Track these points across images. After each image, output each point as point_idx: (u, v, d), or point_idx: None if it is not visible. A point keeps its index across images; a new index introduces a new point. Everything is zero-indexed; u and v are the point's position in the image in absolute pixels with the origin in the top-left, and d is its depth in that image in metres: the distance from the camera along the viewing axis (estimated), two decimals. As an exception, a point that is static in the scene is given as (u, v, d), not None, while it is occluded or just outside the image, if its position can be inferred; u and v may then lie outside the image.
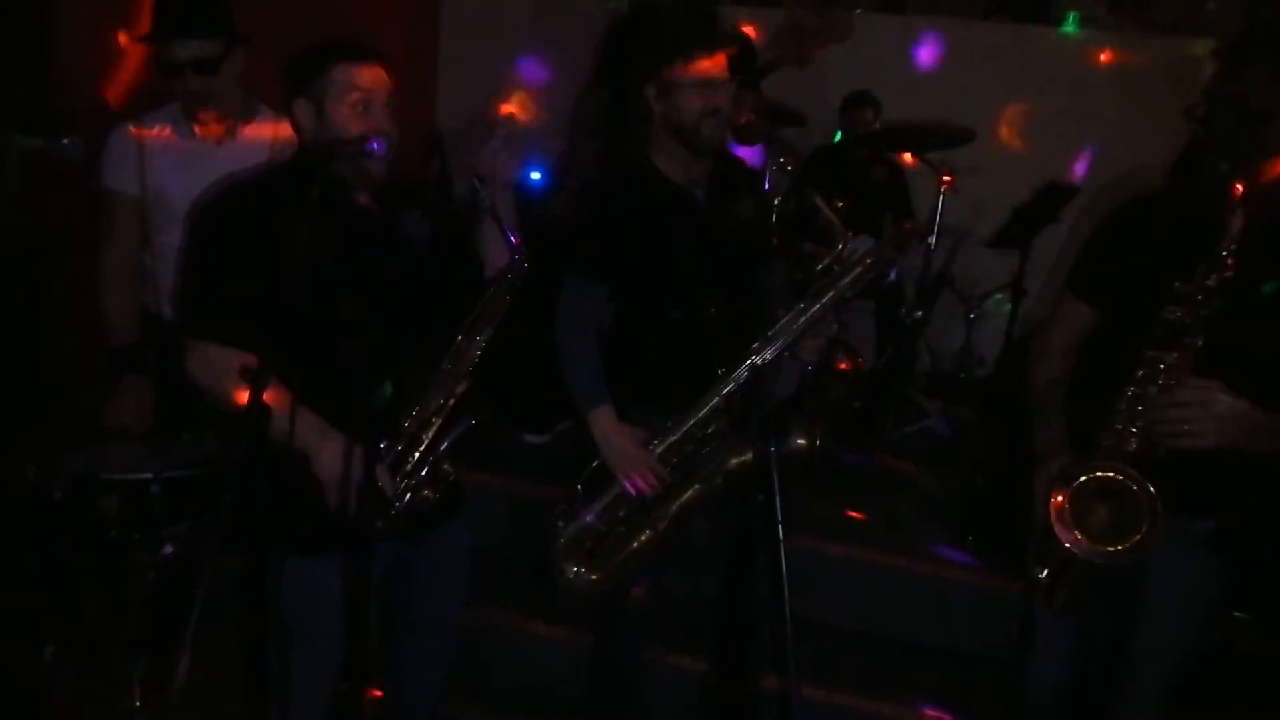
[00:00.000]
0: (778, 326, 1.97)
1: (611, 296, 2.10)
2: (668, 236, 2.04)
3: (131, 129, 2.35)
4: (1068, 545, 1.63)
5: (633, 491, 2.03)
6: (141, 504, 2.03)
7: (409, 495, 1.81)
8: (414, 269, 1.87)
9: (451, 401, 1.86)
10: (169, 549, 2.13)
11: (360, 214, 1.84)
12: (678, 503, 2.05)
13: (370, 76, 1.78)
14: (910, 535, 3.06)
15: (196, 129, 2.33)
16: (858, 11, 4.59)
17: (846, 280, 1.98)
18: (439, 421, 1.84)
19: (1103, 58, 4.48)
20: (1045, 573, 1.72)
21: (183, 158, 2.32)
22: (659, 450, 2.03)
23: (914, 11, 4.68)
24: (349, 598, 1.70)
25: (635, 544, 2.06)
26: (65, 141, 2.46)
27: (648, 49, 2.03)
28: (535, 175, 4.62)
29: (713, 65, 1.96)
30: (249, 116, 2.36)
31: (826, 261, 1.99)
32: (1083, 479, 1.64)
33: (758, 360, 1.97)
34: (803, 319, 1.97)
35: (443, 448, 1.83)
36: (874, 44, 4.63)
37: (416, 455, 1.82)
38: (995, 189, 4.17)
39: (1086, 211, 3.83)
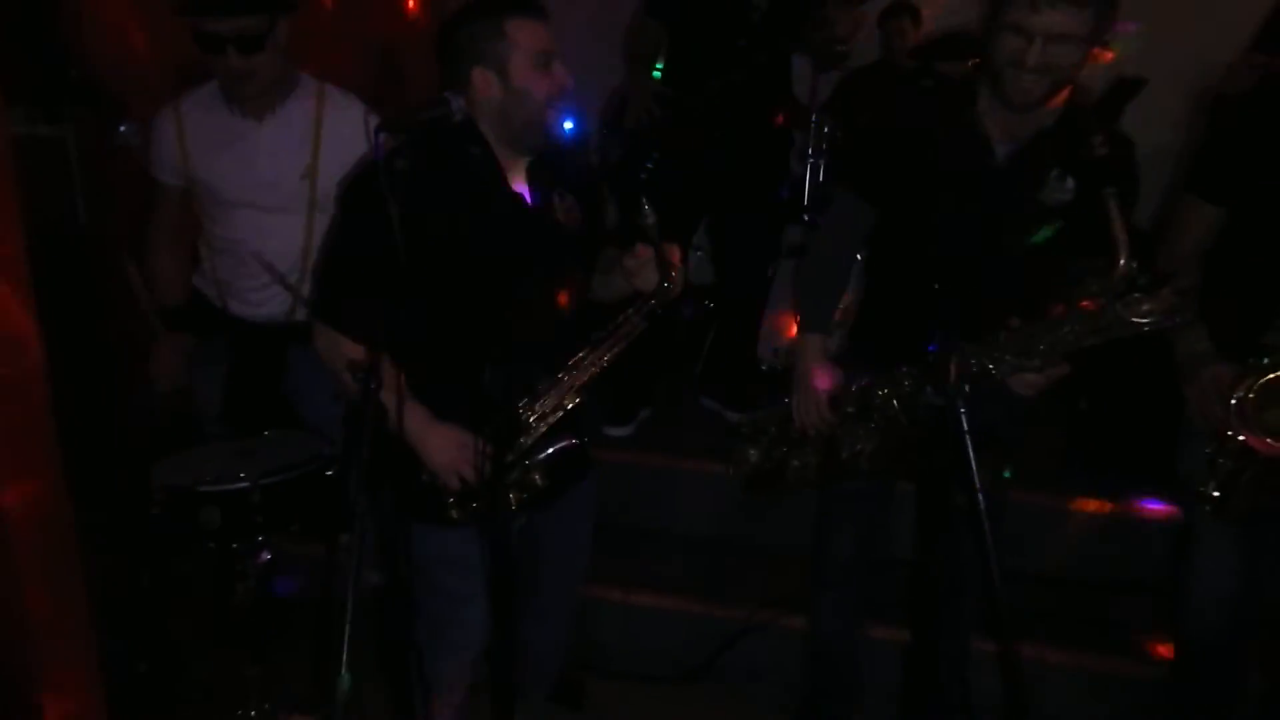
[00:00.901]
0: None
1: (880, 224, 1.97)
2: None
3: (169, 114, 2.26)
4: (1254, 446, 1.56)
5: (797, 423, 2.02)
6: (242, 513, 1.98)
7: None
8: (559, 260, 1.79)
9: (559, 414, 1.78)
10: (267, 555, 2.09)
11: (512, 199, 1.75)
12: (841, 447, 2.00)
13: (546, 30, 1.69)
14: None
15: (236, 108, 2.22)
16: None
17: None
18: (541, 429, 1.77)
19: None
20: (1213, 484, 1.64)
21: (223, 141, 2.23)
22: (851, 392, 1.95)
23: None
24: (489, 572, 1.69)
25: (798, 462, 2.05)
26: (123, 129, 2.35)
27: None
28: (568, 125, 4.43)
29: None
30: (290, 89, 2.25)
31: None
32: (1268, 378, 1.54)
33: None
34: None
35: (538, 458, 1.78)
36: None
37: (509, 459, 1.75)
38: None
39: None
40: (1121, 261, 1.57)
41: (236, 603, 2.11)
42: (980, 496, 1.37)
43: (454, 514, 1.77)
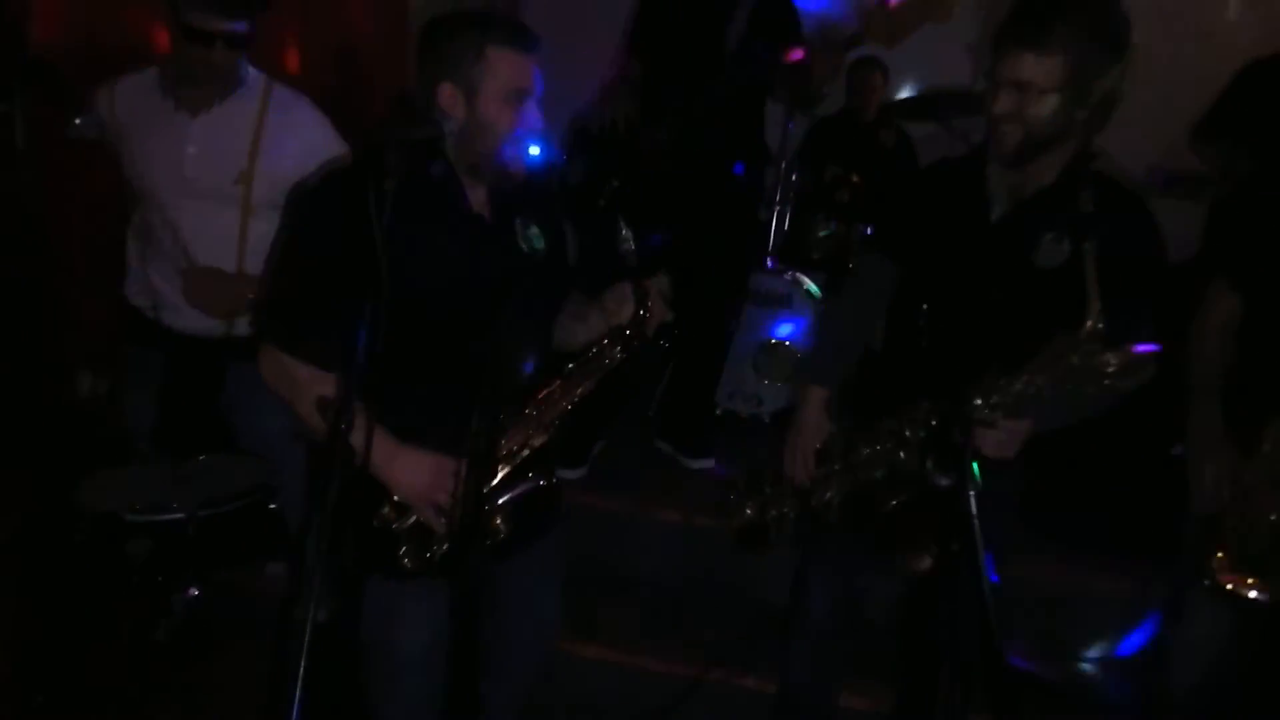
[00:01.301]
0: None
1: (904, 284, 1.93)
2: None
3: (105, 92, 2.17)
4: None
5: (787, 472, 1.97)
6: (175, 546, 1.82)
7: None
8: (526, 287, 1.69)
9: (524, 453, 1.66)
10: (195, 592, 1.93)
11: (472, 219, 1.66)
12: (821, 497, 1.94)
13: (529, 67, 1.59)
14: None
15: (172, 98, 2.12)
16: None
17: None
18: (505, 470, 1.65)
19: None
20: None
21: (152, 128, 2.13)
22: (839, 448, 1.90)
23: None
24: (453, 624, 1.53)
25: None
26: (79, 121, 2.20)
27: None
28: (534, 150, 4.34)
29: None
30: (233, 87, 2.14)
31: None
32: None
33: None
34: None
35: (500, 501, 1.64)
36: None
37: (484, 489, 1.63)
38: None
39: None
40: (1089, 322, 1.50)
41: (158, 640, 1.95)
42: (983, 577, 1.30)
43: (407, 563, 1.62)
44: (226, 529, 1.89)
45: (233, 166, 2.11)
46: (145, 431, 2.26)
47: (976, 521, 1.31)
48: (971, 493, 1.33)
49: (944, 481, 1.39)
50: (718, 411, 3.64)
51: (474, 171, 1.65)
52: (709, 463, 3.32)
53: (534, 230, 1.75)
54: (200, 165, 2.11)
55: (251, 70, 2.18)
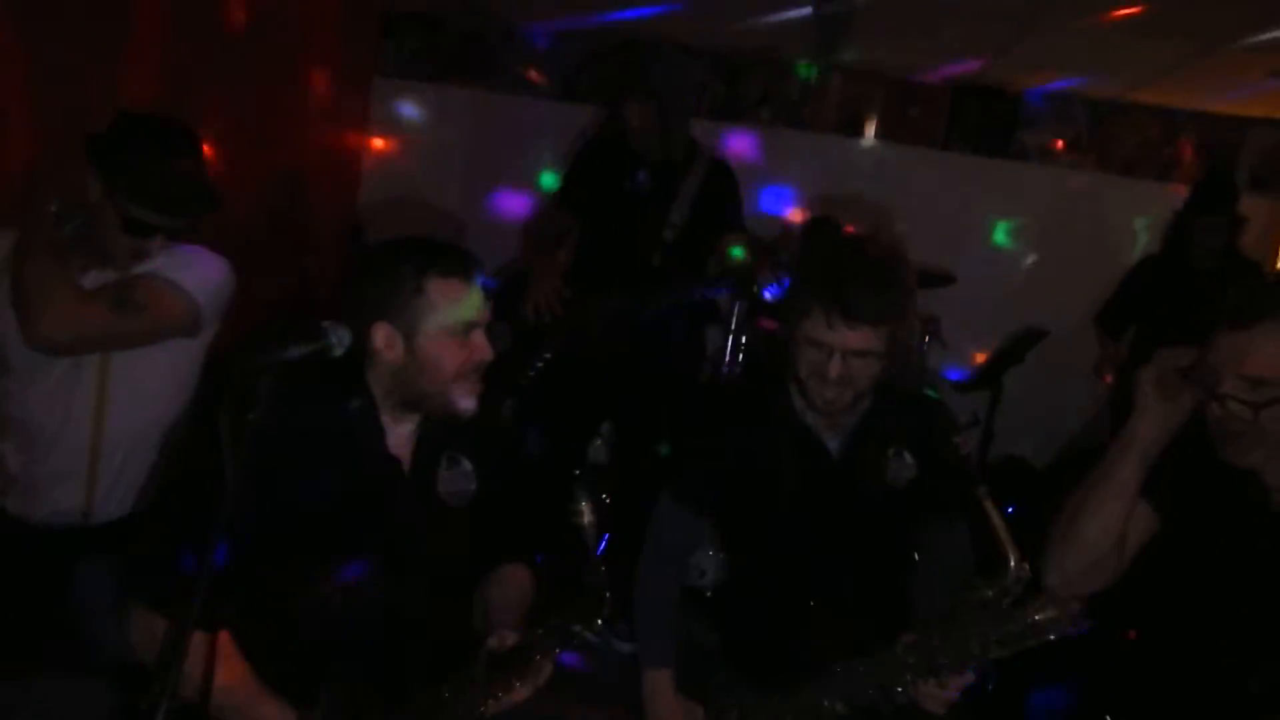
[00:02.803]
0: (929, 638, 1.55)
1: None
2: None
3: None
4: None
5: None
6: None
7: None
8: (439, 543, 1.50)
9: None
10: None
11: (384, 464, 1.47)
12: None
13: (475, 296, 1.45)
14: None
15: (63, 256, 1.87)
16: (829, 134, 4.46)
17: None
18: None
19: (1060, 193, 4.42)
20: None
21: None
22: None
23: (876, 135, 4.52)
24: None
25: None
26: None
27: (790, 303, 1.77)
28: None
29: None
30: (138, 258, 1.93)
31: None
32: None
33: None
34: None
35: None
36: (833, 167, 4.49)
37: None
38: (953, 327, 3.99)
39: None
40: (1013, 564, 1.46)
41: None
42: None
43: None
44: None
45: None
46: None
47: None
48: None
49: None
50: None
51: (406, 406, 1.48)
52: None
53: (464, 467, 1.54)
54: None
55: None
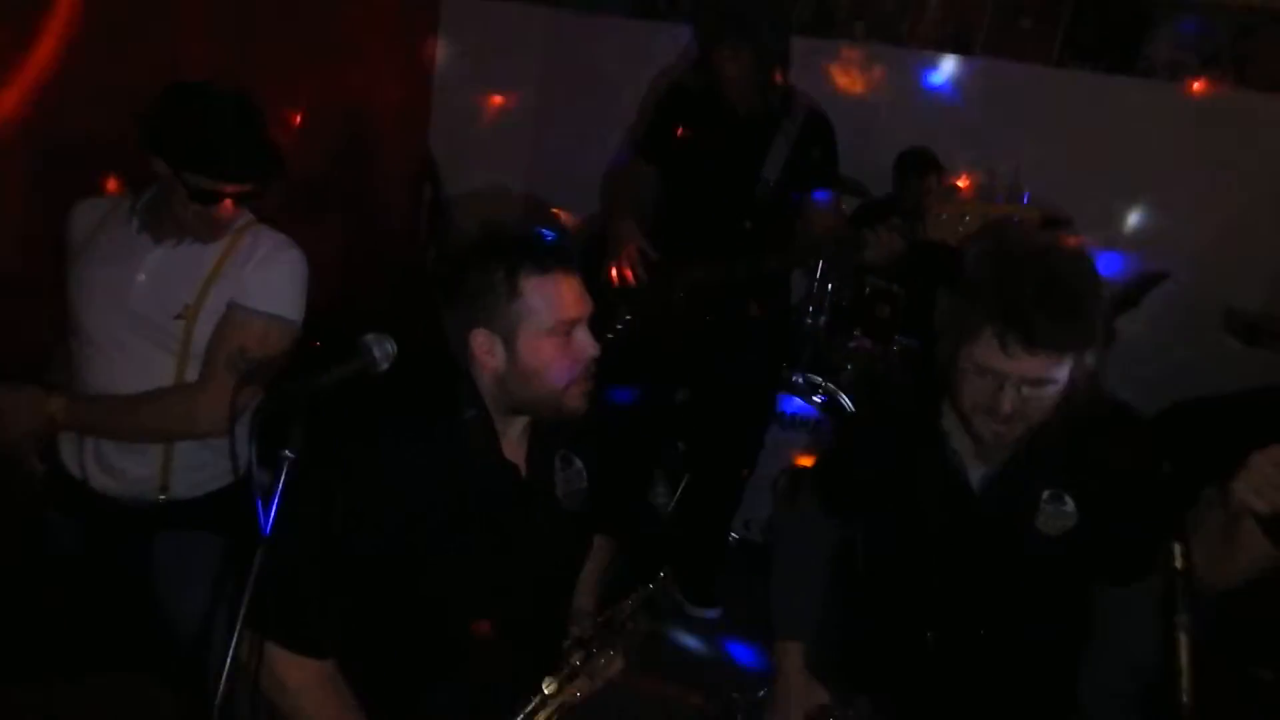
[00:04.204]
0: None
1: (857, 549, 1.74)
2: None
3: (76, 213, 1.97)
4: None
5: None
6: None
7: None
8: (548, 550, 1.48)
9: None
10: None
11: (502, 476, 1.44)
12: None
13: (573, 290, 1.37)
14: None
15: (139, 221, 1.90)
16: (925, 52, 4.08)
17: None
18: None
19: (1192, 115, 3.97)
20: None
21: (111, 254, 1.90)
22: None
23: (981, 52, 4.11)
24: None
25: None
26: None
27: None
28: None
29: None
30: (214, 236, 1.90)
31: None
32: None
33: None
34: None
35: None
36: (933, 87, 4.13)
37: None
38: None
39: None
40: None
41: None
42: None
43: None
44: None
45: (178, 300, 1.86)
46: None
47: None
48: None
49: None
50: (732, 538, 3.32)
51: (514, 411, 1.42)
52: (714, 613, 3.01)
53: (576, 467, 1.50)
54: (147, 296, 1.86)
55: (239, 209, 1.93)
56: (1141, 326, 3.60)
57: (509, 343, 1.36)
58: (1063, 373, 1.40)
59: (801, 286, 3.33)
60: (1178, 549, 1.22)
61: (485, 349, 1.37)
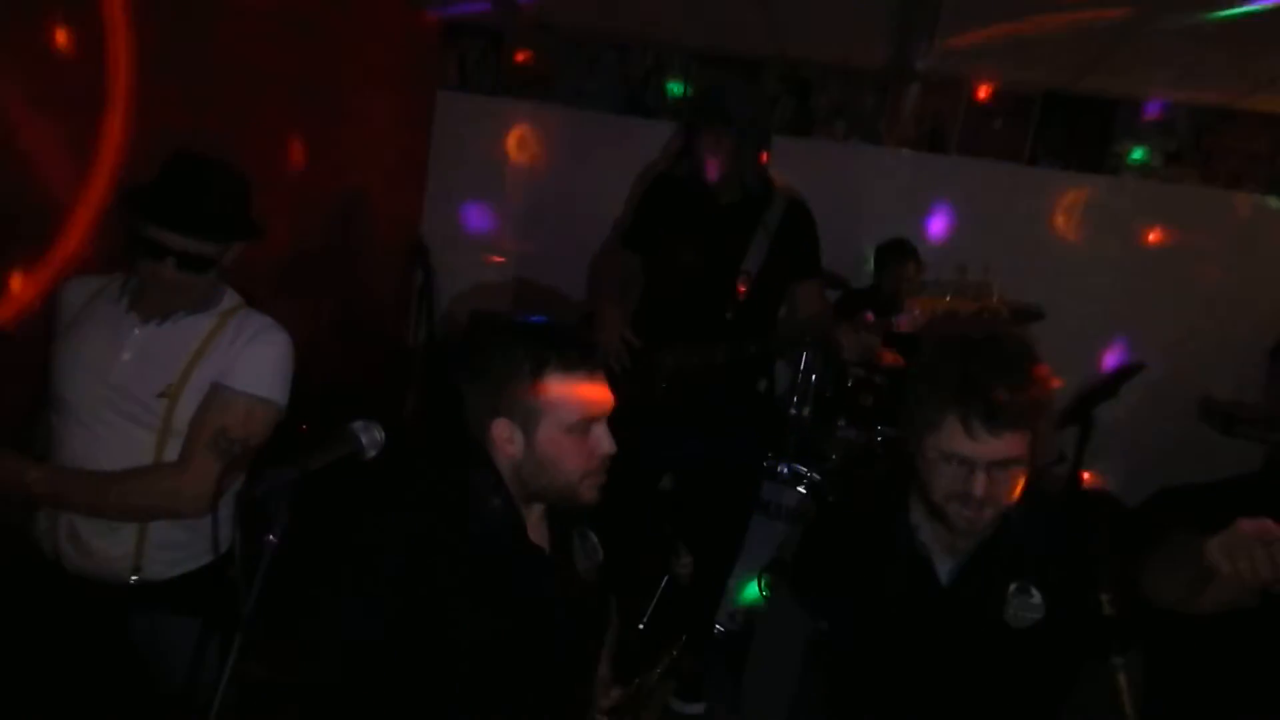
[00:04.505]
0: None
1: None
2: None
3: (67, 289, 1.98)
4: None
5: None
6: None
7: None
8: (578, 623, 1.49)
9: None
10: None
11: (532, 560, 1.45)
12: None
13: (596, 388, 1.39)
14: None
15: (131, 301, 1.90)
16: (903, 152, 4.23)
17: None
18: None
19: (1159, 210, 4.12)
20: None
21: (96, 332, 1.90)
22: None
23: (955, 151, 4.27)
24: None
25: None
26: None
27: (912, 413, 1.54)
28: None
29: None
30: (202, 304, 1.91)
31: None
32: None
33: None
34: None
35: None
36: (910, 182, 4.27)
37: None
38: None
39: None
40: None
41: None
42: None
43: None
44: None
45: (162, 379, 1.86)
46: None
47: None
48: None
49: None
50: (718, 631, 3.27)
51: (531, 497, 1.44)
52: (698, 708, 2.94)
53: (591, 541, 1.54)
54: (130, 374, 1.85)
55: (229, 292, 1.96)
56: (1120, 414, 3.65)
57: (528, 433, 1.38)
58: (1025, 451, 1.43)
59: (786, 377, 3.36)
60: (1104, 599, 1.37)
61: (505, 437, 1.39)
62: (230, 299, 1.96)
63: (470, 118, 4.63)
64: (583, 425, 1.38)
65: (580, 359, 1.38)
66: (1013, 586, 1.52)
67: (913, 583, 1.57)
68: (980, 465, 1.42)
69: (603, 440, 1.41)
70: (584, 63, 4.49)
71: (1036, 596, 1.51)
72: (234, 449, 1.80)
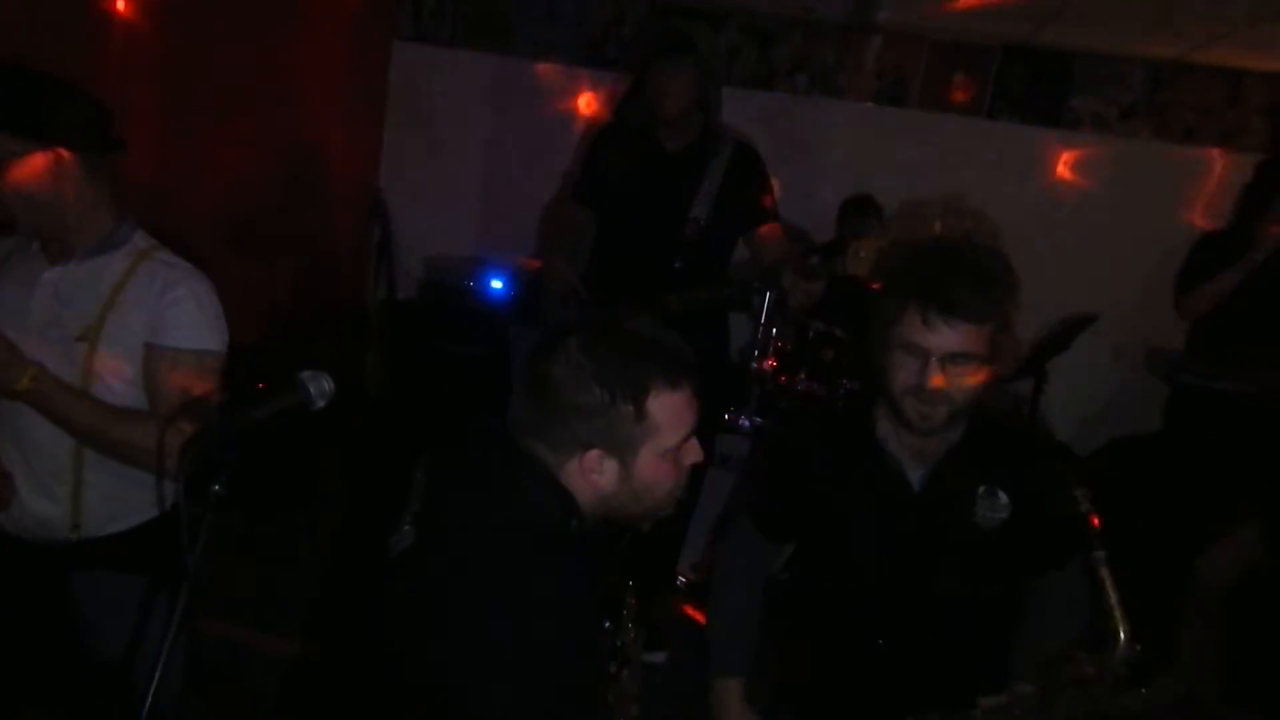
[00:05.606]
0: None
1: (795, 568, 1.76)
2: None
3: None
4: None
5: None
6: None
7: None
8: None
9: None
10: None
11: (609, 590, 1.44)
12: None
13: (695, 401, 1.26)
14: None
15: (42, 248, 1.84)
16: (865, 104, 4.23)
17: None
18: None
19: (1113, 164, 4.17)
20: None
21: (14, 276, 1.85)
22: None
23: (916, 106, 4.28)
24: None
25: None
26: None
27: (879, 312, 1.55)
28: (497, 284, 4.12)
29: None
30: (109, 246, 1.84)
31: None
32: None
33: None
34: None
35: None
36: (871, 138, 4.28)
37: None
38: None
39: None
40: (1122, 642, 1.36)
41: None
42: None
43: None
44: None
45: (78, 321, 1.80)
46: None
47: None
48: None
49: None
50: (679, 582, 3.32)
51: (602, 522, 1.29)
52: (660, 656, 2.99)
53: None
54: (47, 317, 1.80)
55: (139, 233, 1.89)
56: (1071, 368, 3.72)
57: (625, 463, 1.23)
58: (982, 347, 1.46)
59: (746, 331, 3.38)
60: (1079, 494, 1.39)
61: (593, 468, 1.22)
62: (143, 239, 1.88)
63: (427, 69, 4.54)
64: (677, 448, 1.25)
65: (685, 375, 1.24)
66: (981, 489, 1.56)
67: (885, 492, 1.59)
68: (935, 355, 1.44)
69: (695, 451, 1.29)
70: (543, 13, 4.41)
71: (1003, 498, 1.55)
72: (201, 404, 1.77)
